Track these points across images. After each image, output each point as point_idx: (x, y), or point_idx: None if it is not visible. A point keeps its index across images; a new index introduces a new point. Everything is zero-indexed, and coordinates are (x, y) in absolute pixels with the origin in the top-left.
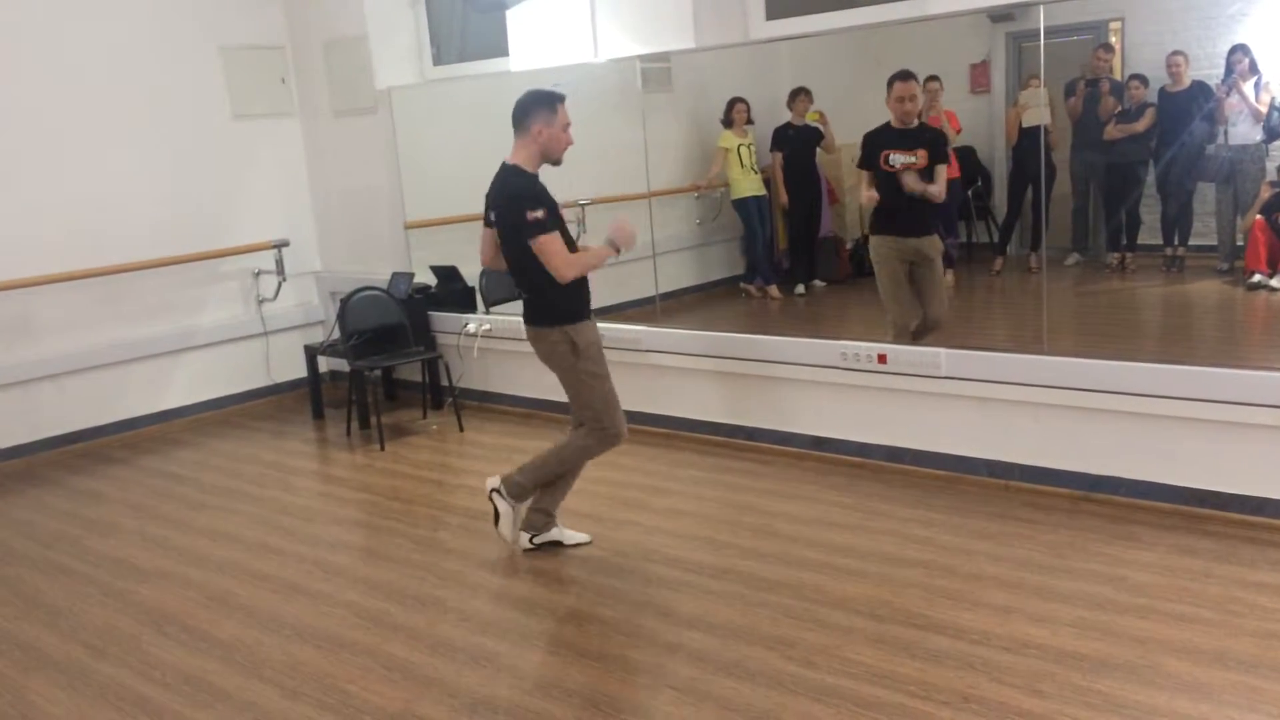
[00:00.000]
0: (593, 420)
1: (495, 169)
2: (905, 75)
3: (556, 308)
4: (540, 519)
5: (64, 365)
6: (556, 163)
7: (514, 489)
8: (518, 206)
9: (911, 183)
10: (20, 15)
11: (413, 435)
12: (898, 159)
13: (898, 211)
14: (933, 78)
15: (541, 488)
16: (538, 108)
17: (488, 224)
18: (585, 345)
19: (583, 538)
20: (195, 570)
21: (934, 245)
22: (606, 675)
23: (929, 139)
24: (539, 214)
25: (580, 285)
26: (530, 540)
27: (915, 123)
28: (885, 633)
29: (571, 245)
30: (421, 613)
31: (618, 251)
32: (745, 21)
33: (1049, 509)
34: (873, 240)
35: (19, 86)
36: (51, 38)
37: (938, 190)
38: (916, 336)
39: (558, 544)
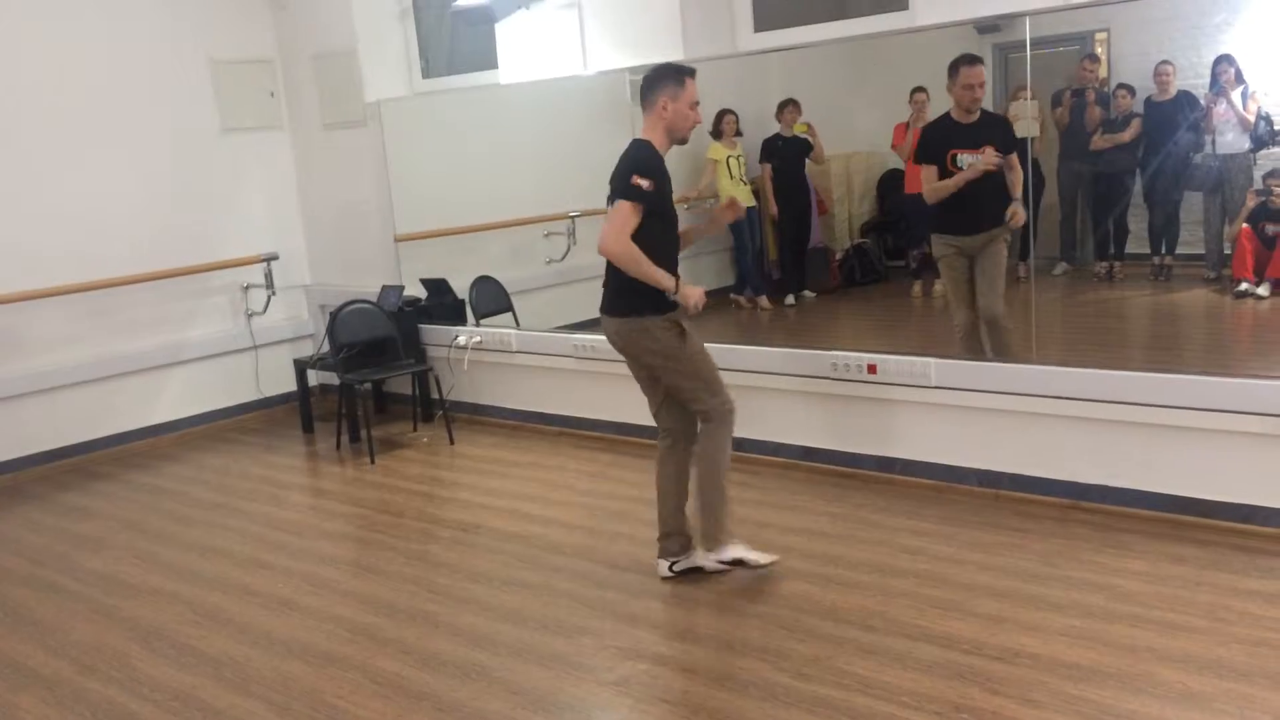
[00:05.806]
0: (708, 396)
1: (485, 181)
2: (972, 59)
3: (648, 296)
4: (677, 543)
5: (52, 380)
6: (683, 141)
7: (714, 540)
8: (629, 170)
9: (990, 158)
10: (8, 29)
11: (403, 448)
12: (965, 159)
13: (963, 210)
14: (919, 89)
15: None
16: (664, 81)
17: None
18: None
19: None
20: (184, 586)
21: (994, 237)
22: (598, 688)
23: (993, 133)
24: (644, 183)
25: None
26: (670, 567)
27: (976, 114)
28: (877, 643)
29: (673, 235)
30: (412, 626)
31: (674, 293)
32: (733, 33)
33: (1039, 518)
34: (934, 239)
35: (7, 100)
36: (40, 52)
37: (1016, 179)
38: (978, 333)
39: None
